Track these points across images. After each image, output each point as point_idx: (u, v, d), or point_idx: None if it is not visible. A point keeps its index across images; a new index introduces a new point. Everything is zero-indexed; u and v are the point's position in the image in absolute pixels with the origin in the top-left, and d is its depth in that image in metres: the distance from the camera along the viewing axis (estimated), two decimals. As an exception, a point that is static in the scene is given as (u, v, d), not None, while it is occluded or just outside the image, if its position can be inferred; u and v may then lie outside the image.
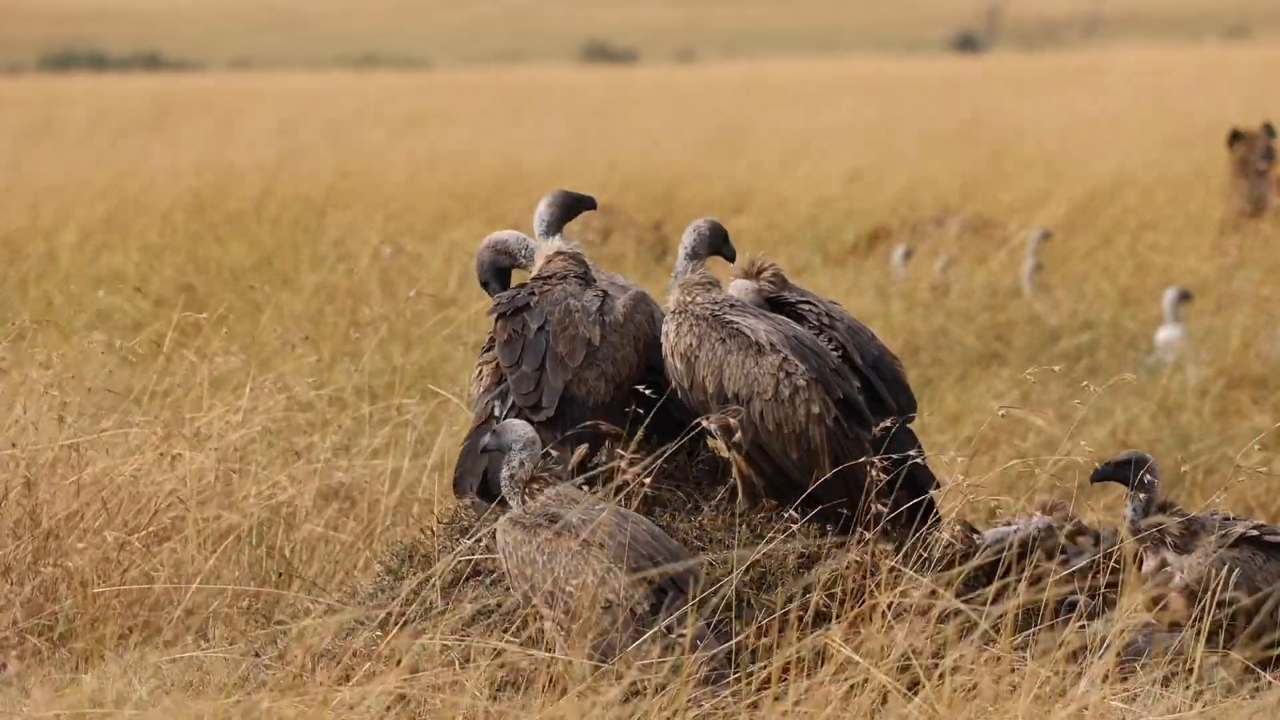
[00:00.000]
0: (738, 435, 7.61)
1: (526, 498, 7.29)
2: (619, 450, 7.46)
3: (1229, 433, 13.66)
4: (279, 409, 10.30)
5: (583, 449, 7.51)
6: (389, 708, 6.89)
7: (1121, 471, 7.78)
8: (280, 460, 9.97)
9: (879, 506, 7.50)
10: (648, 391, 7.75)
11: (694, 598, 7.05)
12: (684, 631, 6.97)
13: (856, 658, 6.97)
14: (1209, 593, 7.61)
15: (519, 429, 7.36)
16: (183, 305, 14.71)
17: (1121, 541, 7.92)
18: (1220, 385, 14.84)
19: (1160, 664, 7.60)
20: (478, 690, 6.99)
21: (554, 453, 7.47)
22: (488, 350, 7.94)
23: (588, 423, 7.72)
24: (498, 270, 8.15)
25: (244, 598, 8.92)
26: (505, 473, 7.33)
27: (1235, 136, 19.41)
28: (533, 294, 7.88)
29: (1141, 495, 7.72)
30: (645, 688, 6.83)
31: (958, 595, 7.37)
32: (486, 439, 7.41)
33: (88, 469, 9.24)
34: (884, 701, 6.85)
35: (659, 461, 7.74)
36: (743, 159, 30.29)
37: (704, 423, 7.66)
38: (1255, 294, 17.15)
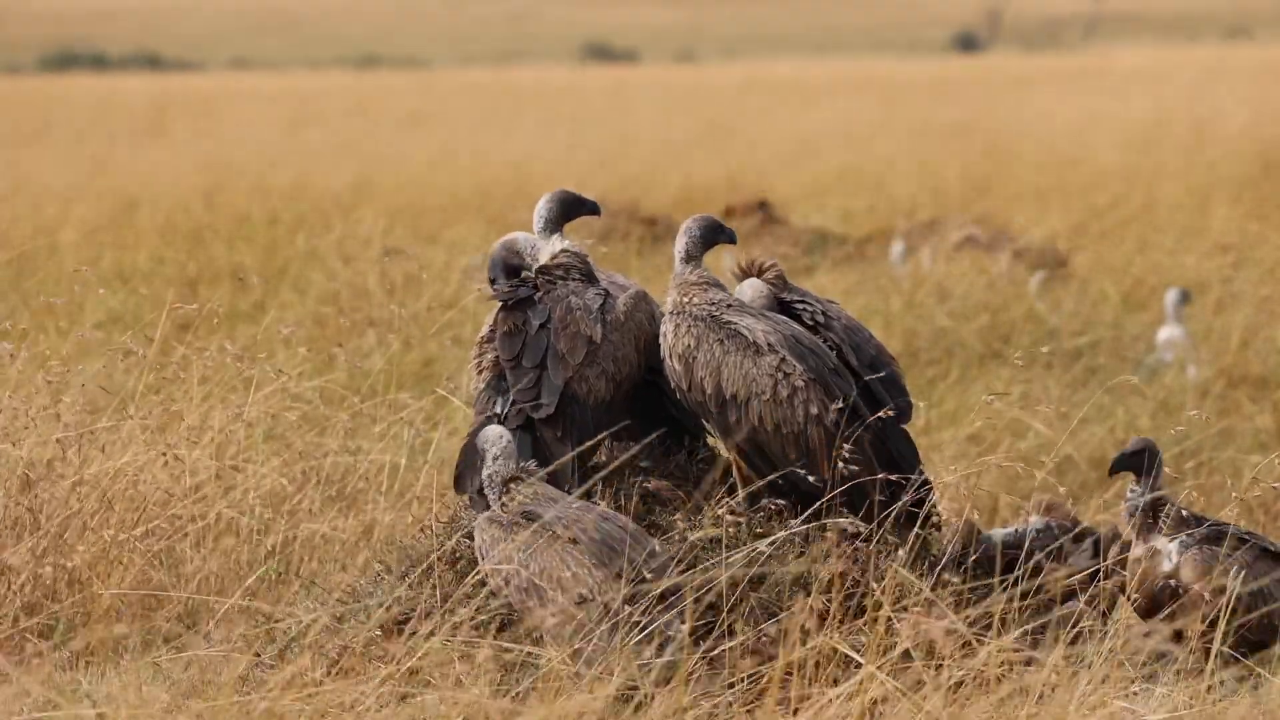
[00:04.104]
0: (739, 436, 7.60)
1: (504, 497, 7.36)
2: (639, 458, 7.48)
3: (1229, 432, 13.65)
4: (278, 407, 10.29)
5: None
6: (389, 707, 6.89)
7: (1135, 461, 7.84)
8: (280, 458, 9.96)
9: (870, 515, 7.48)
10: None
11: (666, 593, 7.08)
12: (671, 632, 7.01)
13: (859, 658, 6.97)
14: (1192, 580, 7.62)
15: (491, 434, 7.50)
16: (183, 304, 14.68)
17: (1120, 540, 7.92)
18: (1220, 385, 14.83)
19: (1162, 665, 7.60)
20: (477, 688, 6.99)
21: (551, 449, 7.53)
22: (488, 341, 7.93)
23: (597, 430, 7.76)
24: (507, 269, 8.17)
25: (244, 597, 8.92)
26: (484, 473, 7.45)
27: None
28: (536, 288, 7.88)
29: (1148, 480, 7.79)
30: (639, 685, 6.84)
31: (959, 594, 7.36)
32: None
33: (87, 468, 9.23)
34: (883, 701, 6.84)
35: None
36: (743, 159, 30.28)
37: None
38: (1255, 294, 17.15)
